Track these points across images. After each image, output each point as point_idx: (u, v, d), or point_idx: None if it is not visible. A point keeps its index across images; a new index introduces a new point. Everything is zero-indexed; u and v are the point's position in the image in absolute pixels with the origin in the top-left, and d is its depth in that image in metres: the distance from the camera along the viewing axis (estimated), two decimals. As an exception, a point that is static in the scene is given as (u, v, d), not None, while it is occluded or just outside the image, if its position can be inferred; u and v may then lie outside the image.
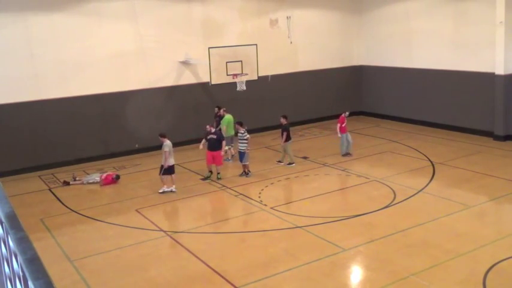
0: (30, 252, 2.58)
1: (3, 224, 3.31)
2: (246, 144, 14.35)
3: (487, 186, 13.02)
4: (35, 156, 15.78)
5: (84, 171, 15.77)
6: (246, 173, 14.47)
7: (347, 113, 16.23)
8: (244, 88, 17.58)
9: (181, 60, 18.02)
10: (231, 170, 15.28)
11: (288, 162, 15.21)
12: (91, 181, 14.37)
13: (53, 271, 8.31)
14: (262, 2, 19.66)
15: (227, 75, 17.40)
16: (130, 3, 16.94)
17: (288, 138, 15.12)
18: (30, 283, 2.34)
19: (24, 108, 15.52)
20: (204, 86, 18.36)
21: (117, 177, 14.51)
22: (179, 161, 16.12)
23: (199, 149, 14.49)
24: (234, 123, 15.35)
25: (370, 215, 11.28)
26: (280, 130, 15.27)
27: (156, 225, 11.20)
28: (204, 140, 14.25)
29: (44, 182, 14.93)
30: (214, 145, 13.94)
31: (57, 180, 14.95)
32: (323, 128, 19.48)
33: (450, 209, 11.58)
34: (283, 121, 15.13)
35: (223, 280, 8.66)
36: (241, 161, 14.46)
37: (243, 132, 14.46)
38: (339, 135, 15.96)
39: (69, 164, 16.21)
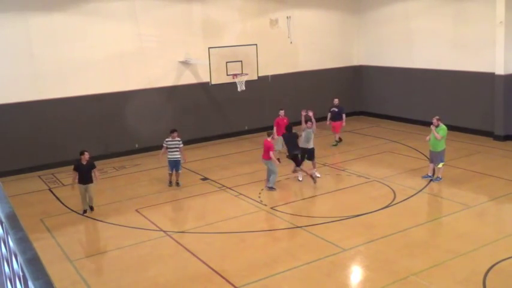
0: (30, 252, 2.58)
1: (3, 224, 3.31)
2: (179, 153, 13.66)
3: (487, 186, 13.02)
4: (35, 156, 15.77)
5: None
6: (177, 183, 13.88)
7: (274, 136, 13.58)
8: (244, 88, 17.57)
9: (181, 60, 18.02)
10: (232, 170, 15.28)
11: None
12: None
13: (53, 271, 8.31)
14: (262, 2, 19.66)
15: (227, 75, 17.39)
16: (130, 3, 16.94)
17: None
18: (30, 283, 2.34)
19: (24, 108, 15.51)
20: (204, 86, 18.35)
21: None
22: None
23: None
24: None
25: (370, 215, 11.28)
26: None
27: (156, 225, 11.19)
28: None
29: (44, 182, 14.92)
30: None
31: (58, 180, 14.96)
32: (323, 128, 19.46)
33: (450, 209, 11.60)
34: (85, 157, 12.02)
35: (223, 280, 8.65)
36: (178, 170, 13.78)
37: (178, 140, 13.63)
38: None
39: (69, 164, 16.03)
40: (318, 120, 20.42)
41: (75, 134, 16.39)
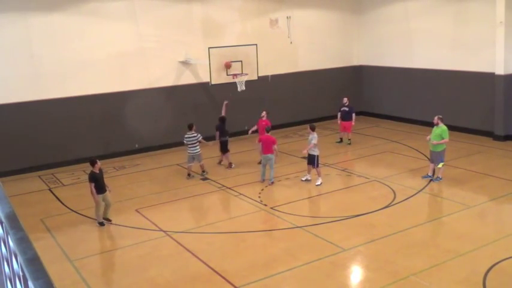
0: (30, 252, 2.58)
1: (3, 224, 3.31)
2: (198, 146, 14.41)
3: (487, 186, 13.02)
4: (35, 156, 15.77)
5: (84, 171, 15.75)
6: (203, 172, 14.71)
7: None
8: (244, 88, 17.57)
9: (181, 60, 18.02)
10: (232, 170, 15.28)
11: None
12: None
13: (53, 271, 8.31)
14: (262, 2, 19.65)
15: (227, 75, 17.38)
16: (130, 3, 16.93)
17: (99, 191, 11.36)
18: (30, 283, 2.34)
19: (24, 108, 15.51)
20: (204, 86, 18.35)
21: None
22: (179, 161, 16.14)
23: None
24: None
25: (370, 215, 11.28)
26: None
27: (156, 225, 11.19)
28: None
29: (44, 182, 14.92)
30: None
31: (58, 180, 14.96)
32: (323, 128, 19.47)
33: (450, 209, 11.60)
34: (98, 165, 11.43)
35: (223, 280, 8.66)
36: (200, 161, 14.59)
37: (195, 134, 14.31)
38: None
39: (69, 164, 16.21)
40: (319, 119, 20.64)
41: (75, 134, 16.38)
